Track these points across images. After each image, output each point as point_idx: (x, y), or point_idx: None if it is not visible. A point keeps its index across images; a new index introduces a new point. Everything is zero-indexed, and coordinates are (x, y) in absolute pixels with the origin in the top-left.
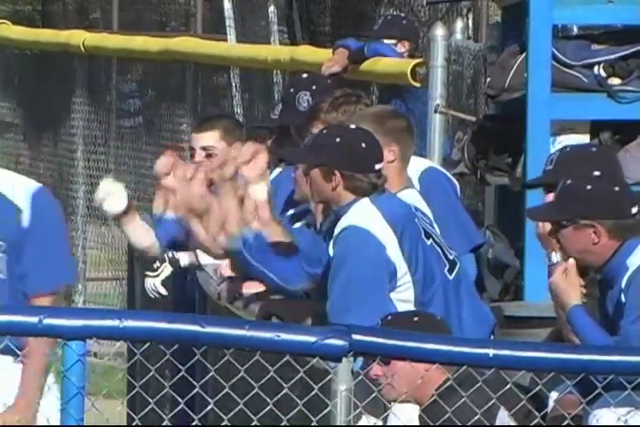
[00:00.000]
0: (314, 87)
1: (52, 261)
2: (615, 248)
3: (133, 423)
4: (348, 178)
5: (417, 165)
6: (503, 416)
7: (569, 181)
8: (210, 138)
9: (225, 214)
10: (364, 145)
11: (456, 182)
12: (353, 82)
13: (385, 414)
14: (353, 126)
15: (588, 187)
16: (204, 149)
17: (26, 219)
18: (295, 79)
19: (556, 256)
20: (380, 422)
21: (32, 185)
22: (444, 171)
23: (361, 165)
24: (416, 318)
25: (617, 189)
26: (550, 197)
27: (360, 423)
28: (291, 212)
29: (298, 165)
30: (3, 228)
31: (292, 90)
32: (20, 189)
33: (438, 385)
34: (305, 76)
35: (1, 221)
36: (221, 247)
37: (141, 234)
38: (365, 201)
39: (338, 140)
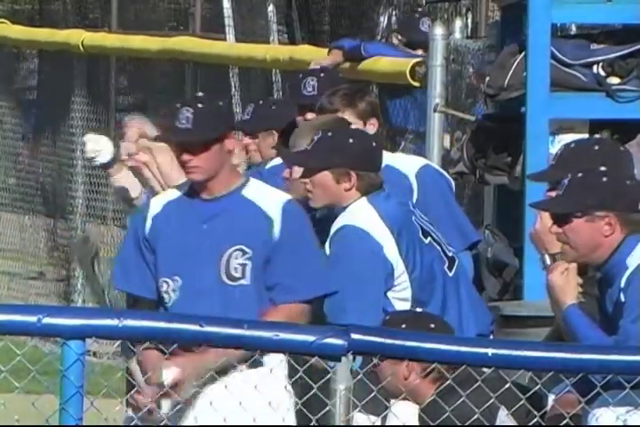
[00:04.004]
0: (322, 75)
1: (304, 273)
2: (618, 244)
3: (132, 423)
4: (364, 177)
5: (413, 163)
6: (502, 416)
7: (580, 175)
8: None
9: None
10: (374, 144)
11: (451, 180)
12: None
13: (384, 414)
14: (354, 127)
15: (604, 179)
16: None
17: (277, 230)
18: (305, 69)
19: (548, 259)
20: (379, 421)
21: (283, 197)
22: (439, 168)
23: (375, 164)
24: (432, 326)
25: (628, 182)
26: (554, 193)
27: (355, 421)
28: None
29: (293, 165)
30: (253, 237)
31: (300, 75)
32: (272, 200)
33: (438, 385)
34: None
35: (252, 231)
36: None
37: (130, 183)
38: (362, 201)
39: (351, 140)
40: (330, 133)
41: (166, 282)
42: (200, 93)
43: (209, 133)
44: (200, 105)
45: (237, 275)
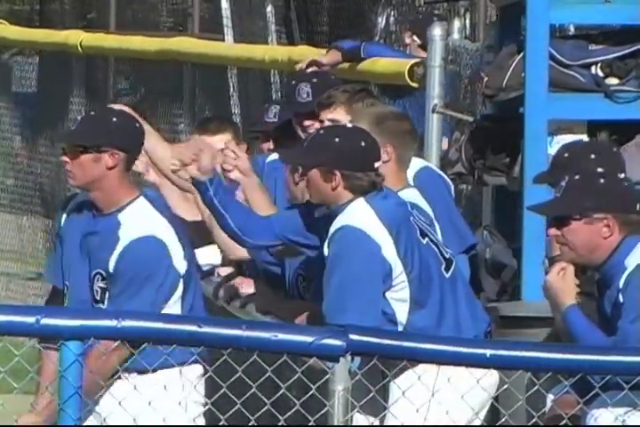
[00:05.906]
0: (315, 80)
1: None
2: (616, 245)
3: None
4: (349, 177)
5: (412, 165)
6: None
7: (577, 177)
8: (225, 140)
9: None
10: (363, 144)
11: (450, 182)
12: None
13: (382, 414)
14: (349, 126)
15: (602, 181)
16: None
17: (112, 263)
18: (298, 73)
19: (547, 262)
20: (378, 422)
21: (142, 231)
22: (438, 170)
23: (362, 164)
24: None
25: (626, 184)
26: None
27: (355, 422)
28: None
29: (289, 165)
30: (105, 264)
31: (293, 82)
32: (131, 231)
33: None
34: (308, 70)
35: (106, 258)
36: (190, 174)
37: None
38: (360, 201)
39: (337, 140)
40: (321, 131)
41: (65, 285)
42: (111, 105)
43: (80, 140)
44: (92, 113)
45: (98, 298)
